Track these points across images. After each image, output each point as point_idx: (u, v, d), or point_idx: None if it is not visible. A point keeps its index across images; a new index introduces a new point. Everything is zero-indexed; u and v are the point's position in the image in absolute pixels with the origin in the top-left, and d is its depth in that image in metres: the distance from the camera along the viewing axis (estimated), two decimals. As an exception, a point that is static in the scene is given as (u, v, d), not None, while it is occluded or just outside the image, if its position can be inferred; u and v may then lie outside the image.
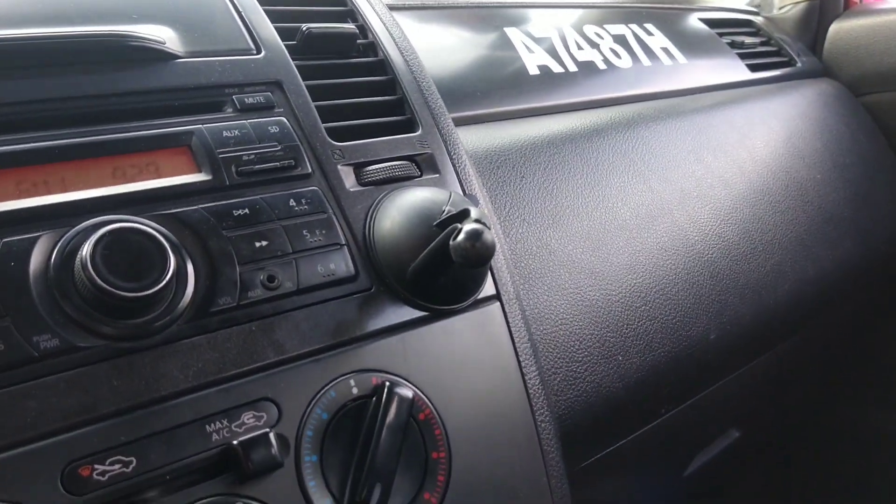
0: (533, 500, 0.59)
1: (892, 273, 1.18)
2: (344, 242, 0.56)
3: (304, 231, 0.54)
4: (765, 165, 1.02)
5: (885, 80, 1.25)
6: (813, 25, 1.37)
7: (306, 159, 0.58)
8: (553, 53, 0.97)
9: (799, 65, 1.31)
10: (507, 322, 0.63)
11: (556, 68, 0.95)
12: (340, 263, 0.55)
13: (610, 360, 0.71)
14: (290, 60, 0.63)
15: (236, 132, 0.56)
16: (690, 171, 0.92)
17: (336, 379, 0.52)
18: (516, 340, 0.63)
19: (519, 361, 0.62)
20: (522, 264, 0.69)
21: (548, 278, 0.70)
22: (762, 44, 1.32)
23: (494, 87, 0.88)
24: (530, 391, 0.62)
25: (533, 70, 0.93)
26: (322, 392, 0.52)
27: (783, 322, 0.92)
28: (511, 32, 0.95)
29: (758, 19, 1.39)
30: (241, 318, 0.51)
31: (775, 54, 1.31)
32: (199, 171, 0.54)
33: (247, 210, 0.53)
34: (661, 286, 0.78)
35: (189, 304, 0.49)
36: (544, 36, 0.98)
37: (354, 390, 0.53)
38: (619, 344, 0.72)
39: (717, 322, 0.82)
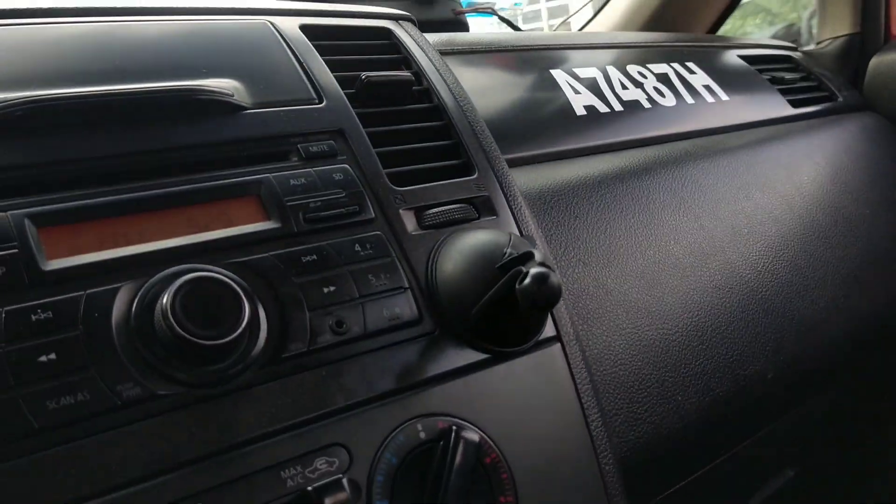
0: (598, 546, 0.59)
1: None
2: (408, 286, 0.56)
3: (370, 275, 0.55)
4: (813, 201, 1.01)
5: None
6: (853, 59, 1.37)
7: (369, 205, 0.59)
8: (598, 93, 0.98)
9: (840, 99, 1.30)
10: (569, 363, 0.63)
11: (602, 108, 0.96)
12: (405, 307, 0.56)
13: (669, 400, 0.70)
14: (351, 108, 0.65)
15: (302, 180, 0.57)
16: (740, 207, 0.92)
17: (404, 423, 0.53)
18: (578, 382, 0.62)
19: (581, 403, 0.62)
20: (580, 305, 0.69)
21: (605, 318, 0.70)
22: (802, 79, 1.32)
23: (543, 127, 0.89)
24: (593, 433, 0.61)
25: (580, 110, 0.94)
26: (391, 436, 0.52)
27: (839, 359, 0.91)
28: (556, 74, 0.97)
29: (796, 55, 1.39)
30: (312, 364, 0.51)
31: (816, 89, 1.31)
32: (269, 219, 0.55)
33: (315, 256, 0.54)
34: (717, 324, 0.77)
35: (262, 351, 0.50)
36: (589, 76, 1.00)
37: (422, 434, 0.53)
38: (677, 383, 0.71)
39: (774, 360, 0.81)
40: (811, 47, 1.45)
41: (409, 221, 0.61)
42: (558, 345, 0.63)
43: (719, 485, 0.86)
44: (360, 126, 0.64)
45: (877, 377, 1.07)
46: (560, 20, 1.90)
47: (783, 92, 1.23)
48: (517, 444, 0.57)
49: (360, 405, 0.52)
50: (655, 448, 0.70)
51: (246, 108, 0.60)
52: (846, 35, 1.37)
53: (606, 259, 0.73)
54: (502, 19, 1.43)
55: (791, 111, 1.20)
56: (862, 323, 0.92)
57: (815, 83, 1.32)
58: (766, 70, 1.26)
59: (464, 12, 1.31)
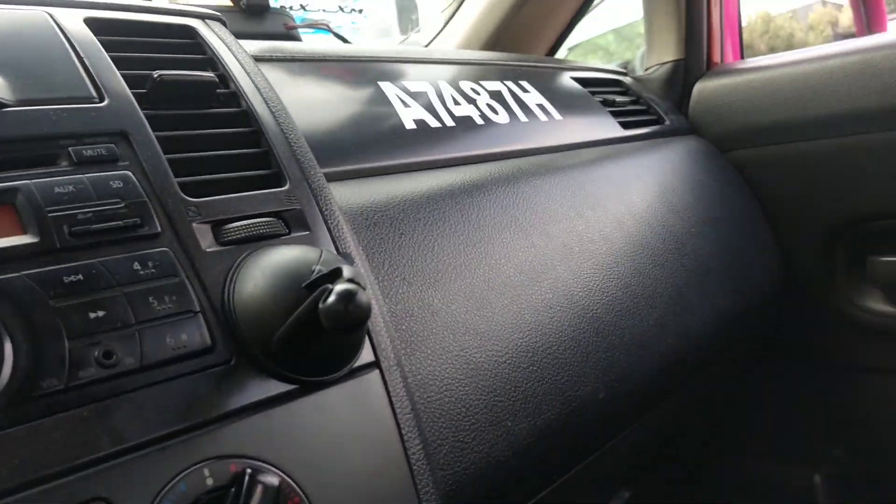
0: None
1: (765, 323, 1.21)
2: (198, 309, 0.49)
3: (151, 298, 0.47)
4: (642, 220, 1.02)
5: (748, 137, 1.30)
6: (678, 85, 1.42)
7: (155, 217, 0.52)
8: (429, 108, 0.94)
9: (667, 122, 1.34)
10: (388, 391, 0.57)
11: (434, 122, 0.93)
12: (194, 334, 0.48)
13: (499, 426, 0.66)
14: (139, 109, 0.57)
15: (71, 188, 0.49)
16: (572, 226, 0.90)
17: (186, 469, 0.45)
18: (398, 411, 0.57)
19: (401, 434, 0.57)
20: (403, 327, 0.64)
21: (431, 341, 0.65)
22: (632, 102, 1.35)
23: (369, 141, 0.84)
24: (414, 467, 0.56)
25: (409, 124, 0.90)
26: (169, 486, 0.44)
27: (668, 376, 0.91)
28: (385, 86, 0.92)
29: (626, 79, 1.43)
30: (71, 403, 0.43)
31: (645, 112, 1.34)
32: (25, 233, 0.47)
33: (80, 276, 0.46)
34: (548, 345, 0.75)
35: (5, 390, 0.41)
36: (420, 90, 0.96)
37: (209, 481, 0.46)
38: (507, 408, 0.68)
39: (605, 380, 0.79)
40: (640, 73, 1.50)
41: (205, 237, 0.54)
42: (377, 371, 0.57)
43: (555, 511, 0.84)
44: (149, 129, 0.56)
45: (704, 392, 1.10)
46: (405, 36, 1.87)
47: (614, 114, 1.25)
48: (326, 484, 0.51)
49: (132, 450, 0.44)
50: (486, 478, 0.65)
51: (7, 106, 0.51)
52: (671, 61, 1.42)
53: (433, 278, 0.69)
54: (337, 36, 1.38)
55: (622, 132, 1.22)
56: (689, 340, 0.93)
57: (644, 107, 1.35)
58: (598, 93, 1.28)
59: (296, 27, 1.24)
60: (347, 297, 0.45)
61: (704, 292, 1.00)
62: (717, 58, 1.44)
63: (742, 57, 1.50)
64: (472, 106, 1.00)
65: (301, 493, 0.49)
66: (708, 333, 0.97)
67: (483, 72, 1.10)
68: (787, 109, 1.24)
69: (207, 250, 0.53)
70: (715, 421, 1.28)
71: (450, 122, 0.94)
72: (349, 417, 0.54)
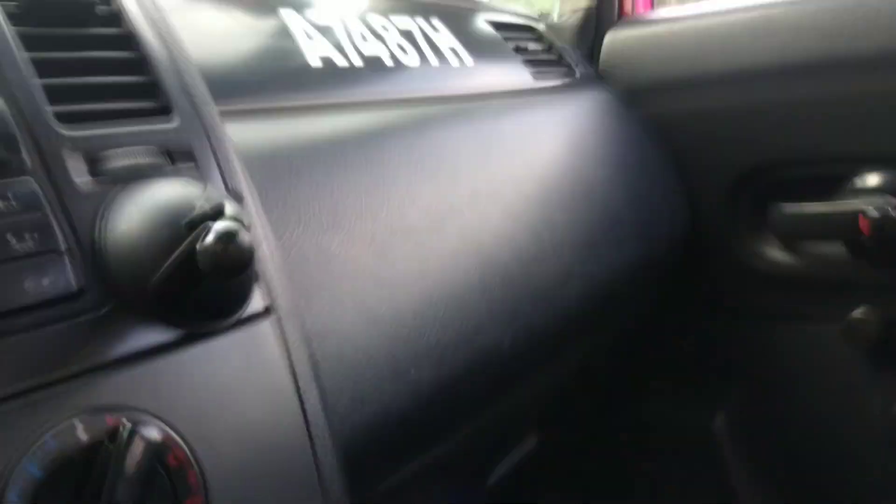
0: (312, 545, 0.52)
1: (671, 270, 1.23)
2: (64, 249, 0.44)
3: (8, 235, 0.42)
4: (552, 167, 1.01)
5: (656, 88, 1.30)
6: (590, 34, 1.41)
7: (22, 147, 0.46)
8: (337, 45, 0.90)
9: (577, 74, 1.33)
10: (284, 340, 0.54)
11: (341, 62, 0.88)
12: (59, 276, 0.44)
13: (401, 377, 0.64)
14: (6, 28, 0.51)
15: (-85, 113, 0.43)
16: (480, 172, 0.88)
17: (57, 424, 0.41)
18: (294, 362, 0.54)
19: (297, 386, 0.54)
20: (300, 273, 0.61)
21: (329, 288, 0.62)
22: (545, 51, 1.33)
23: (270, 78, 0.79)
24: (310, 419, 0.54)
25: (315, 62, 0.85)
26: (35, 444, 0.40)
27: (575, 325, 0.91)
28: (289, 17, 0.87)
29: (540, 26, 1.41)
30: (-87, 353, 0.38)
31: (556, 63, 1.33)
32: None
33: (-75, 209, 0.41)
34: (454, 293, 0.73)
35: None
36: (327, 25, 0.91)
37: (83, 436, 0.42)
38: (410, 358, 0.66)
39: (511, 329, 0.78)
40: (553, 20, 1.48)
41: (79, 171, 0.49)
42: (270, 319, 0.54)
43: (460, 460, 0.83)
44: (17, 50, 0.50)
45: (610, 340, 1.11)
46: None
47: (526, 63, 1.23)
48: (214, 438, 0.48)
49: (-10, 405, 0.40)
50: (388, 428, 0.64)
51: None
52: (583, 9, 1.40)
53: (331, 222, 0.66)
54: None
55: (533, 84, 1.20)
56: (595, 289, 0.93)
57: (556, 56, 1.33)
58: (511, 38, 1.25)
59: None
60: (227, 236, 0.42)
61: (612, 240, 1.00)
62: (628, 8, 1.43)
63: (653, 7, 1.50)
64: (381, 44, 0.95)
65: (186, 447, 0.46)
66: (614, 281, 0.98)
67: (394, 4, 1.05)
68: (692, 62, 1.25)
69: (80, 184, 0.48)
70: (619, 366, 1.31)
71: (358, 63, 0.90)
72: (240, 368, 0.51)
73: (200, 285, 0.46)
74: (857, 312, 1.08)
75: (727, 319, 1.24)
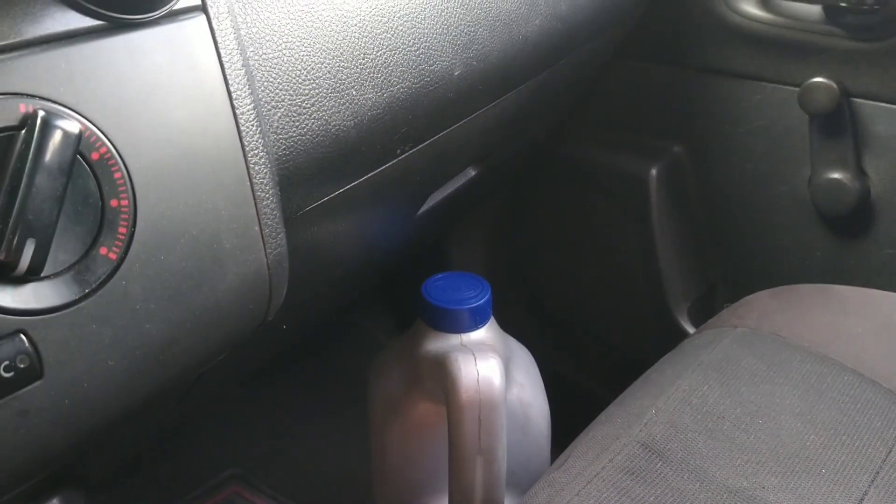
0: (241, 251, 0.53)
1: (633, 17, 1.18)
2: None
3: None
4: None
5: None
6: None
7: None
8: None
9: None
10: (215, 41, 0.51)
11: None
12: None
13: (342, 95, 0.62)
14: None
15: None
16: None
17: (-39, 104, 0.39)
18: (226, 65, 0.52)
19: (229, 90, 0.52)
20: (238, -31, 0.56)
21: (271, -10, 0.57)
22: None
23: None
24: (242, 127, 0.52)
25: None
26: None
27: (530, 59, 0.88)
28: None
29: None
30: None
31: None
32: None
33: None
34: (407, 11, 0.69)
35: None
36: None
37: (-7, 120, 0.40)
38: (353, 76, 0.63)
39: (464, 57, 0.75)
40: None
41: None
42: (203, 17, 0.50)
43: (397, 185, 0.84)
44: None
45: (561, 78, 1.09)
46: None
47: None
48: (139, 137, 0.46)
49: None
50: (323, 147, 0.63)
51: None
52: None
53: None
54: None
55: None
56: (557, 22, 0.88)
57: None
58: None
59: None
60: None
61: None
62: None
63: None
64: None
65: (108, 142, 0.44)
66: (578, 18, 0.93)
67: None
68: None
69: None
70: (563, 108, 1.30)
71: None
72: (168, 65, 0.48)
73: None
74: (818, 78, 1.07)
75: (682, 72, 1.22)
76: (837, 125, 1.09)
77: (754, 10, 1.12)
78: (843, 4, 1.04)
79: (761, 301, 0.98)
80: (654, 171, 1.25)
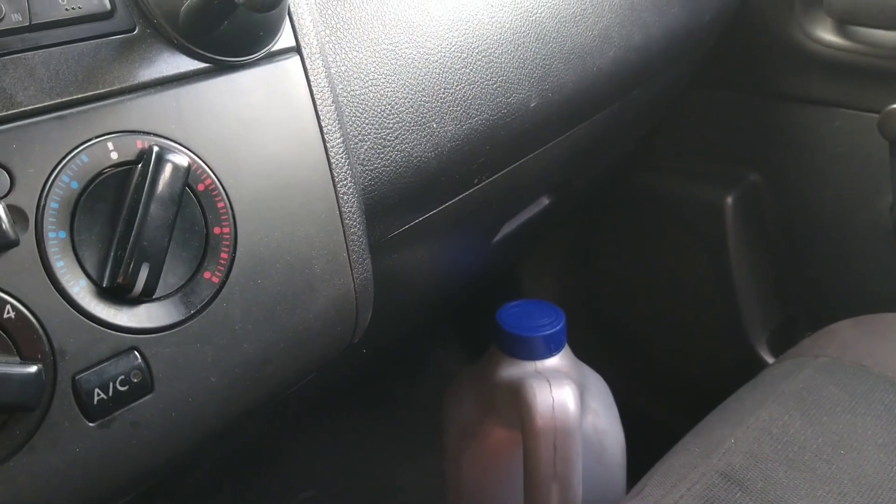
0: (331, 276, 0.55)
1: (708, 44, 1.19)
2: (94, -34, 0.44)
3: (39, -53, 0.42)
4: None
5: None
6: None
7: None
8: None
9: None
10: (308, 80, 0.55)
11: None
12: (89, -6, 0.43)
13: (423, 128, 0.65)
14: None
15: None
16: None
17: (89, 141, 0.43)
18: (318, 101, 0.55)
19: (320, 125, 0.55)
20: (329, 12, 0.59)
21: (358, 30, 0.61)
22: None
23: None
24: (332, 159, 0.55)
25: None
26: (70, 156, 0.42)
27: (604, 90, 0.90)
28: None
29: None
30: (-50, 60, 0.39)
31: None
32: None
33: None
34: (485, 47, 0.71)
35: None
36: None
37: (114, 155, 0.44)
38: (434, 110, 0.66)
39: (539, 89, 0.77)
40: None
41: None
42: (296, 57, 0.54)
43: (473, 215, 0.86)
44: None
45: (635, 109, 1.10)
46: None
47: None
48: (239, 169, 0.50)
49: (26, 116, 0.41)
50: (405, 178, 0.65)
51: None
52: None
53: (364, -42, 0.63)
54: None
55: None
56: (631, 53, 0.90)
57: None
58: None
59: None
60: (262, -32, 0.41)
61: (656, 5, 0.95)
62: None
63: None
64: None
65: (212, 174, 0.48)
66: (652, 48, 0.95)
67: None
68: None
69: None
70: (637, 137, 1.30)
71: None
72: (265, 103, 0.52)
73: (232, 16, 0.45)
74: (899, 105, 1.05)
75: (756, 100, 1.21)
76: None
77: (832, 38, 1.11)
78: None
79: (843, 330, 0.96)
80: (729, 200, 1.24)
